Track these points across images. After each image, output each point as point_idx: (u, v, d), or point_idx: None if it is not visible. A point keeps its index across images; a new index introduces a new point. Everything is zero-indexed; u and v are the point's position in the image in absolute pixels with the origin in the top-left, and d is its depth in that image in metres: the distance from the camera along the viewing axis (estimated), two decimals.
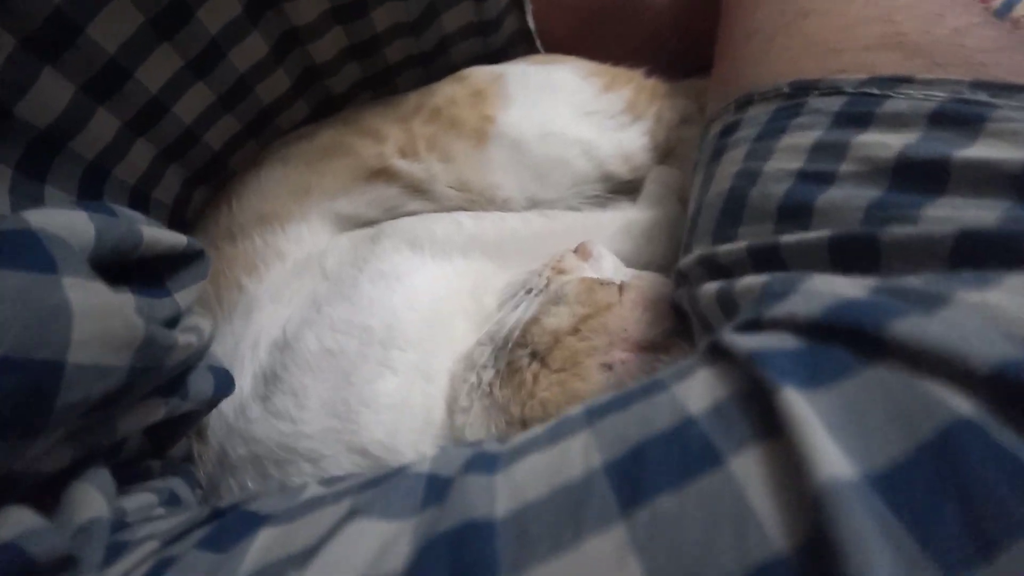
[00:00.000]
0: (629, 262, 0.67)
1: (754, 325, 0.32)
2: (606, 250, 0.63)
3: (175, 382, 0.45)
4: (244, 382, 0.59)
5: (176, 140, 0.67)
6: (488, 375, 0.53)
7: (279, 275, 0.66)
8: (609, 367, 0.50)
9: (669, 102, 0.81)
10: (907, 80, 0.45)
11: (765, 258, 0.42)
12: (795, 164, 0.46)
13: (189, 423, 0.52)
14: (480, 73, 0.78)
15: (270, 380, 0.58)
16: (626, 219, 0.70)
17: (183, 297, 0.51)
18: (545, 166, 0.72)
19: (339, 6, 0.70)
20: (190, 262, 0.52)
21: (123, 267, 0.45)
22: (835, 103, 0.48)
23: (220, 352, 0.62)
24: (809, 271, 0.38)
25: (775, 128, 0.50)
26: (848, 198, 0.40)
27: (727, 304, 0.43)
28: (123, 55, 0.56)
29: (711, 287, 0.45)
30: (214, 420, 0.59)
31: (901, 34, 0.49)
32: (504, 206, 0.71)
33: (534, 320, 0.54)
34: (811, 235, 0.39)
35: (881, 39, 0.50)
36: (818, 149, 0.45)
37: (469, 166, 0.71)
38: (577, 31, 0.93)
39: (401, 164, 0.71)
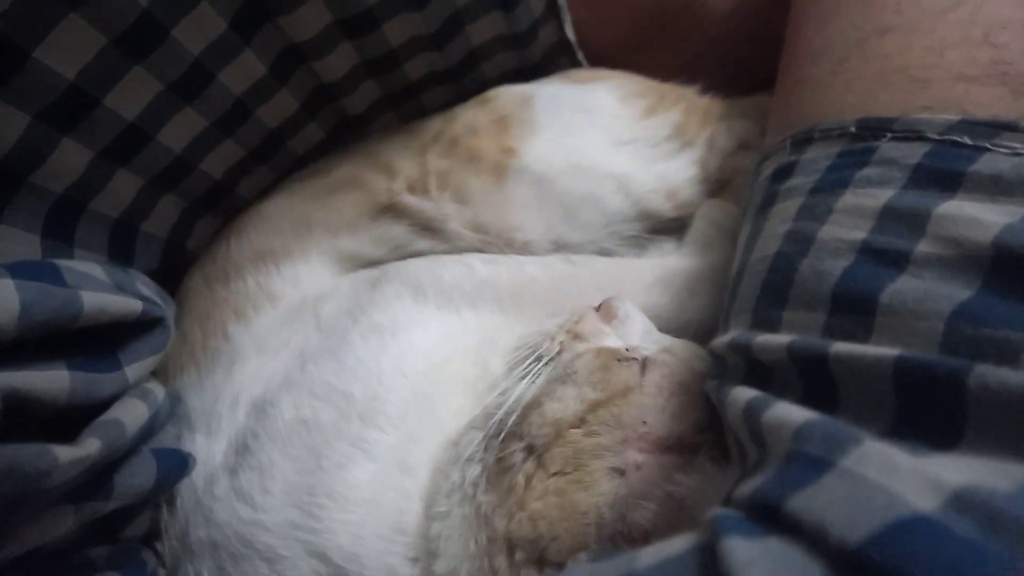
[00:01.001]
0: (667, 321, 0.58)
1: (772, 515, 0.25)
2: (635, 309, 0.53)
3: (93, 483, 0.39)
4: (218, 448, 0.53)
5: (166, 169, 0.61)
6: (473, 472, 0.44)
7: (269, 322, 0.59)
8: (620, 472, 0.41)
9: (726, 125, 0.70)
10: (1010, 128, 0.34)
11: (810, 370, 0.33)
12: (858, 233, 0.36)
13: (136, 512, 0.46)
14: (506, 96, 0.69)
15: (241, 450, 0.51)
16: (666, 268, 0.60)
17: (135, 371, 0.45)
18: (573, 204, 0.63)
19: (344, 19, 0.62)
20: (147, 331, 0.47)
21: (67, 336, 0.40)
22: (914, 152, 0.37)
23: (198, 409, 0.56)
24: (868, 409, 0.28)
25: (836, 180, 0.40)
26: (926, 296, 0.30)
27: (755, 433, 0.33)
28: (85, 80, 0.50)
29: (741, 396, 0.35)
30: (185, 488, 0.53)
31: (1005, 62, 0.38)
32: (525, 250, 0.63)
33: (534, 404, 0.45)
34: (870, 351, 0.29)
35: (979, 67, 0.39)
36: (889, 216, 0.35)
37: (486, 206, 0.62)
38: (626, 40, 0.83)
39: (410, 201, 0.63)
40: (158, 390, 0.46)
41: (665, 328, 0.57)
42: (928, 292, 0.30)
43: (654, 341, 0.51)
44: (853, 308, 0.33)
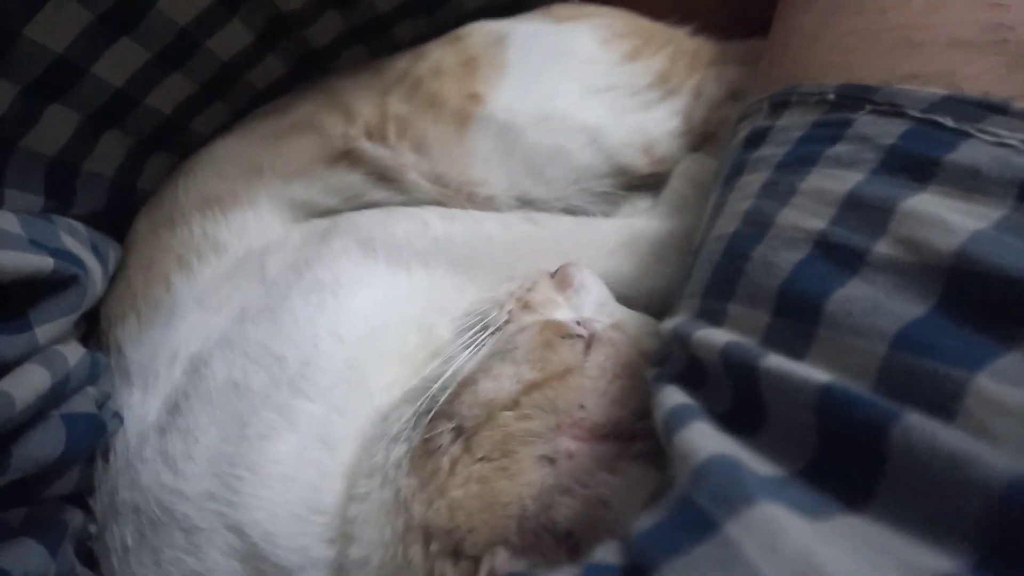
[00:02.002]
0: (630, 287, 0.54)
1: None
2: (593, 277, 0.50)
3: None
4: (152, 405, 0.51)
5: (105, 104, 0.57)
6: (398, 452, 0.42)
7: (212, 274, 0.56)
8: (550, 461, 0.38)
9: (715, 71, 0.65)
10: (999, 110, 0.29)
11: (741, 381, 0.29)
12: (817, 222, 0.32)
13: (57, 473, 0.44)
14: (479, 33, 0.64)
15: (172, 410, 0.49)
16: (633, 230, 0.56)
17: (47, 331, 0.42)
18: (539, 158, 0.58)
19: None
20: (61, 289, 0.44)
21: None
22: (891, 130, 0.33)
23: (136, 362, 0.53)
24: (789, 439, 0.25)
25: (805, 155, 0.36)
26: (873, 309, 0.26)
27: (668, 449, 0.30)
28: (3, 14, 0.45)
29: (667, 401, 0.32)
30: (119, 444, 0.51)
31: (1006, 27, 0.33)
32: (487, 205, 0.59)
33: (469, 381, 0.42)
34: (799, 373, 0.26)
35: (976, 30, 0.34)
36: (852, 205, 0.31)
37: (447, 156, 0.58)
38: None
39: (366, 147, 0.59)
40: (71, 351, 0.44)
41: (629, 295, 0.53)
42: (876, 304, 0.26)
43: (608, 314, 0.48)
44: (795, 313, 0.29)
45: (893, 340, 0.25)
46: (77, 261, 0.47)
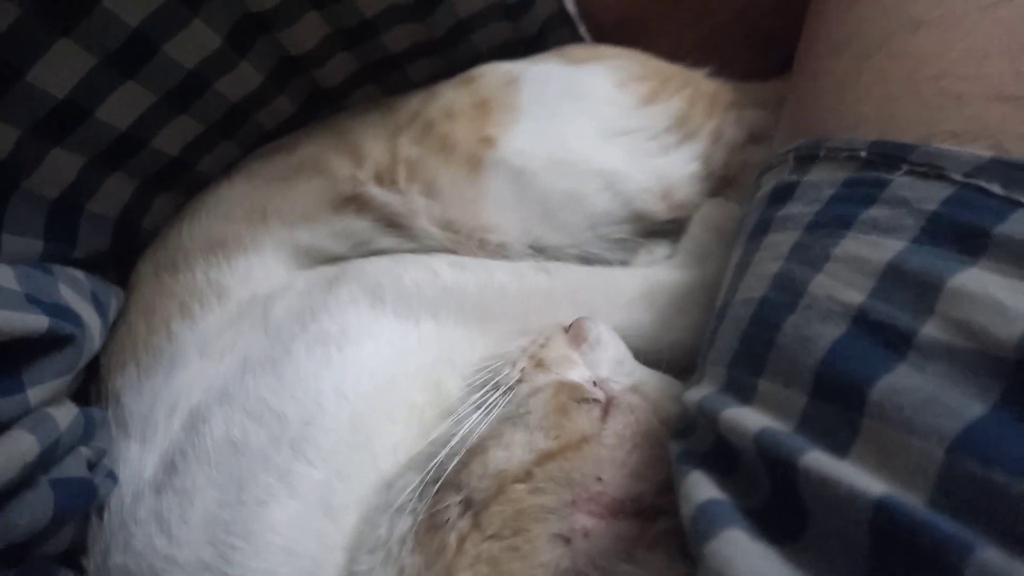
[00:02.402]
0: (650, 341, 0.52)
1: None
2: (609, 332, 0.48)
3: None
4: (149, 460, 0.49)
5: (109, 146, 0.56)
6: (403, 526, 0.39)
7: (215, 321, 0.54)
8: (565, 540, 0.36)
9: (735, 114, 0.63)
10: None
11: (778, 476, 0.27)
12: (855, 295, 0.29)
13: (48, 533, 0.42)
14: (492, 74, 0.62)
15: (169, 468, 0.47)
16: (651, 281, 0.54)
17: (39, 393, 0.40)
18: (554, 203, 0.56)
19: None
20: (55, 349, 0.42)
21: None
22: (932, 195, 0.30)
23: (135, 413, 0.51)
24: (838, 551, 0.22)
25: (839, 216, 0.34)
26: (926, 403, 0.24)
27: (698, 553, 0.27)
28: (6, 53, 0.44)
29: (695, 493, 0.30)
30: (114, 501, 0.49)
31: None
32: (498, 252, 0.56)
33: (479, 448, 0.40)
34: (846, 481, 0.23)
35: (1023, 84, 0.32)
36: (894, 277, 0.28)
37: (458, 201, 0.56)
38: (635, 12, 0.76)
39: (375, 192, 0.57)
40: (63, 413, 0.42)
41: (648, 349, 0.51)
42: (930, 397, 0.24)
43: (626, 373, 0.45)
44: (837, 398, 0.27)
45: (952, 444, 0.22)
46: (75, 318, 0.45)
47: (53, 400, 0.42)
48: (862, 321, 0.28)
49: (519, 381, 0.44)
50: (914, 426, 0.23)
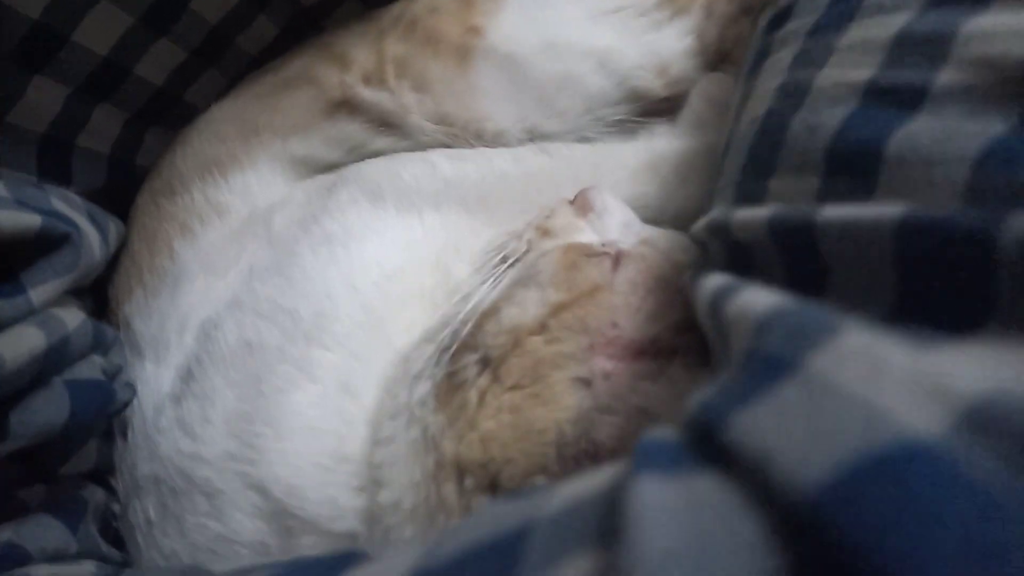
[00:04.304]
0: (655, 211, 0.51)
1: (708, 441, 0.19)
2: (615, 200, 0.47)
3: None
4: (166, 376, 0.49)
5: (92, 74, 0.55)
6: (422, 390, 0.39)
7: (217, 237, 0.54)
8: (586, 383, 0.35)
9: None
10: None
11: (793, 246, 0.26)
12: (863, 72, 0.28)
13: (71, 447, 0.42)
14: None
15: (186, 377, 0.47)
16: (653, 152, 0.53)
17: (41, 293, 0.40)
18: (548, 87, 0.55)
19: None
20: (51, 249, 0.41)
21: None
22: None
23: (146, 334, 0.51)
24: (863, 289, 0.22)
25: (840, 12, 0.32)
26: (946, 136, 0.23)
27: (719, 328, 0.27)
28: None
29: (709, 284, 0.29)
30: (136, 419, 0.49)
31: None
32: (496, 141, 0.55)
33: (492, 310, 0.39)
34: (866, 214, 0.22)
35: None
36: (903, 44, 0.27)
37: (450, 94, 0.55)
38: None
39: (365, 93, 0.56)
40: (69, 316, 0.42)
41: (652, 220, 0.50)
42: (950, 131, 0.23)
43: (635, 234, 0.45)
44: (852, 165, 0.26)
45: (976, 160, 0.21)
46: (68, 221, 0.44)
47: (58, 303, 0.42)
48: (872, 92, 0.27)
49: (527, 252, 0.44)
50: (934, 159, 0.22)
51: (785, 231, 0.26)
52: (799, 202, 0.27)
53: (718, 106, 0.56)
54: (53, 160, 0.55)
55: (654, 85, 0.57)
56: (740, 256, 0.30)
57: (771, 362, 0.20)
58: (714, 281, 0.29)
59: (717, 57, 0.60)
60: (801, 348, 0.20)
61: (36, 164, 0.54)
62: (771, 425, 0.18)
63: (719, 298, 0.27)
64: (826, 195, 0.26)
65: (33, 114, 0.52)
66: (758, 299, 0.24)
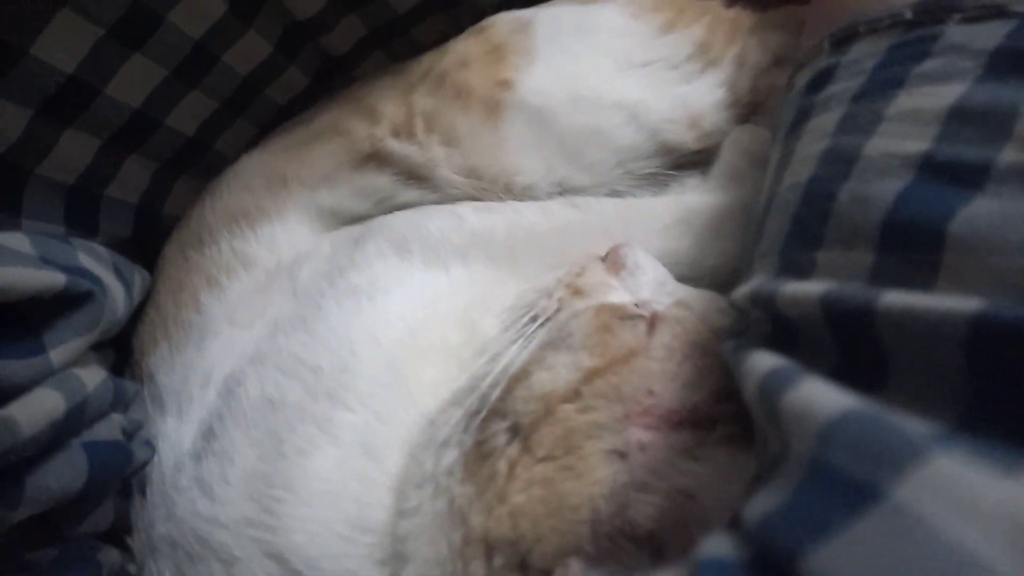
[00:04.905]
0: (688, 268, 0.50)
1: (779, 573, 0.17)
2: (647, 256, 0.46)
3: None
4: (187, 431, 0.48)
5: (124, 126, 0.55)
6: (449, 458, 0.37)
7: (243, 289, 0.53)
8: (621, 455, 0.34)
9: (757, 39, 0.60)
10: None
11: (850, 331, 0.24)
12: (917, 144, 0.27)
13: (87, 508, 0.41)
14: (503, 22, 0.61)
15: (207, 434, 0.46)
16: (685, 206, 0.52)
17: (62, 353, 0.39)
18: (577, 140, 0.54)
19: None
20: (74, 307, 0.41)
21: None
22: (992, 32, 0.28)
23: (169, 388, 0.51)
24: (932, 389, 0.20)
25: (887, 79, 0.31)
26: (1011, 220, 0.21)
27: (773, 417, 0.25)
28: (6, 30, 0.43)
29: (758, 365, 0.28)
30: (155, 476, 0.48)
31: None
32: (525, 195, 0.55)
33: (522, 374, 0.38)
34: (936, 306, 0.21)
35: None
36: (960, 118, 0.26)
37: (479, 147, 0.54)
38: None
39: (394, 146, 0.56)
40: (89, 375, 0.41)
41: (686, 277, 0.49)
42: (1014, 214, 0.21)
43: (669, 293, 0.43)
44: (910, 244, 0.24)
45: None
46: (93, 278, 0.44)
47: (78, 362, 0.41)
48: (928, 166, 0.26)
49: (557, 310, 0.43)
50: (1000, 245, 0.21)
51: (840, 313, 0.25)
52: (851, 279, 0.26)
53: (752, 159, 0.55)
54: (81, 211, 0.55)
55: (686, 138, 0.56)
56: (786, 332, 0.29)
57: (849, 484, 0.19)
58: (764, 362, 0.27)
59: (748, 109, 0.59)
60: (883, 473, 0.18)
61: (64, 215, 0.54)
62: (854, 565, 0.17)
63: (773, 385, 0.25)
64: (880, 274, 0.25)
65: (64, 166, 0.52)
66: (824, 398, 0.22)
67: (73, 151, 0.53)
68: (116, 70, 0.52)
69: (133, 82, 0.53)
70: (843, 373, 0.24)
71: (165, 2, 0.51)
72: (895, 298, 0.23)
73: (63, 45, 0.47)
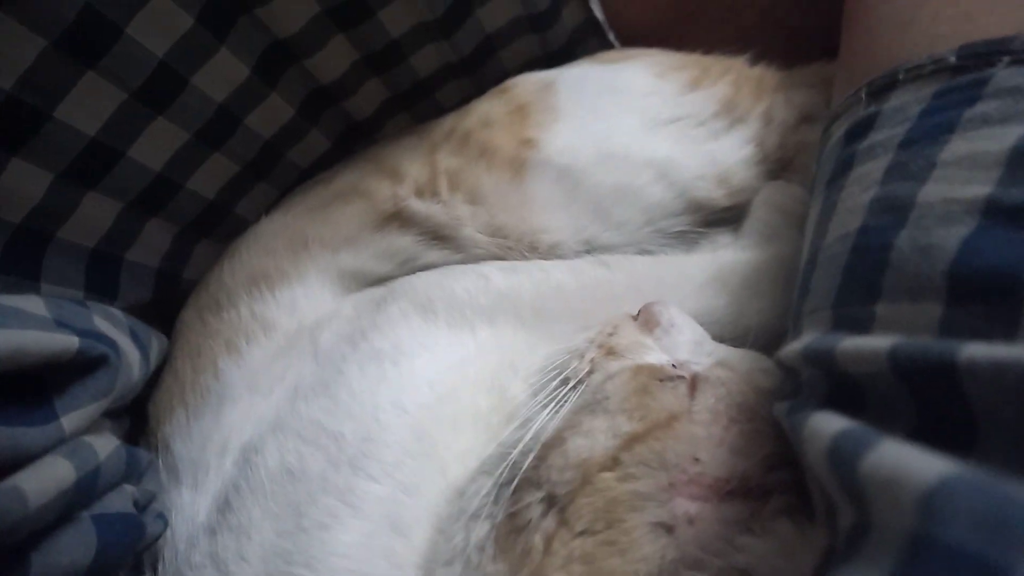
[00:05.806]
0: (724, 327, 0.48)
1: None
2: (682, 315, 0.44)
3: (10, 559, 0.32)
4: (202, 503, 0.46)
5: (145, 189, 0.54)
6: (480, 532, 0.35)
7: (262, 355, 0.52)
8: (667, 528, 0.31)
9: (784, 96, 0.60)
10: None
11: (929, 388, 0.22)
12: (979, 188, 0.25)
13: None
14: (526, 83, 0.61)
15: (223, 507, 0.43)
16: (720, 264, 0.50)
17: (74, 420, 0.37)
18: (605, 198, 0.53)
19: (333, 8, 0.55)
20: (88, 372, 0.39)
21: None
22: None
23: (185, 458, 0.49)
24: None
25: (937, 125, 0.30)
26: None
27: (850, 485, 0.23)
28: (26, 89, 0.43)
29: (824, 428, 0.25)
30: (167, 552, 0.45)
31: None
32: (551, 254, 0.53)
33: (556, 441, 0.36)
34: (1022, 354, 0.19)
35: None
36: (1022, 160, 0.24)
37: (504, 206, 0.54)
38: (663, 16, 0.74)
39: (418, 206, 0.55)
40: (102, 443, 0.39)
41: (722, 337, 0.47)
42: None
43: (707, 353, 0.41)
44: (983, 293, 0.22)
45: None
46: (108, 342, 0.43)
47: (90, 429, 0.40)
48: (994, 211, 0.24)
49: (589, 372, 0.40)
50: None
51: (915, 370, 0.23)
52: (918, 332, 0.24)
53: (785, 215, 0.54)
54: (101, 275, 0.54)
55: (715, 195, 0.55)
56: (851, 391, 0.26)
57: (964, 561, 0.16)
58: (831, 424, 0.25)
59: (778, 165, 0.58)
60: (1006, 547, 0.16)
61: (84, 279, 0.53)
62: None
63: (847, 449, 0.23)
64: (952, 326, 0.23)
65: (85, 229, 0.52)
66: (916, 463, 0.20)
67: (95, 214, 0.52)
68: (139, 133, 0.51)
69: (156, 145, 0.53)
70: (924, 434, 0.22)
71: (190, 65, 0.51)
72: (977, 350, 0.21)
73: (87, 108, 0.47)
